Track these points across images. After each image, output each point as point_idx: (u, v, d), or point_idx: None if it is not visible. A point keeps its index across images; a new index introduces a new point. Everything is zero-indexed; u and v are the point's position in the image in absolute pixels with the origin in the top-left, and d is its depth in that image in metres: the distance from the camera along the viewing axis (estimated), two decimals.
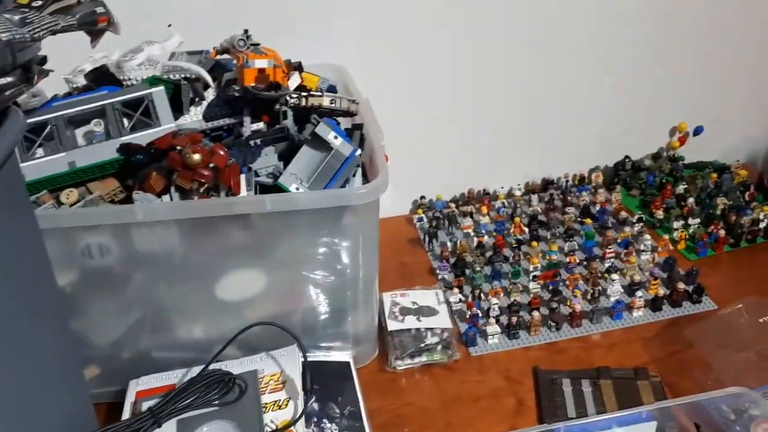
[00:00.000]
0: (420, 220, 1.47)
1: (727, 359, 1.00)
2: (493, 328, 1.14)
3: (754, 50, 1.55)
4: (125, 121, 0.94)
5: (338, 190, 0.91)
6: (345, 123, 1.09)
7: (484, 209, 1.46)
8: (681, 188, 1.48)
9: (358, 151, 0.92)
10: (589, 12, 1.40)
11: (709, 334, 1.04)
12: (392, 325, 1.14)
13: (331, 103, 1.01)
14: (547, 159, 1.55)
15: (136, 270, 0.92)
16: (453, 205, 1.48)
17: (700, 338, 1.04)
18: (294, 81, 1.09)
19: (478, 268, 1.27)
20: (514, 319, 1.14)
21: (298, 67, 1.12)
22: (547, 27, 1.40)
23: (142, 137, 0.93)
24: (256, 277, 0.95)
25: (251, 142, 0.94)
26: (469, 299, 1.23)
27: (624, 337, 1.15)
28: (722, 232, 1.32)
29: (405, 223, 1.50)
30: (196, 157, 0.85)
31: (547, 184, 1.55)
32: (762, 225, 1.35)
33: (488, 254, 1.34)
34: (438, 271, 1.31)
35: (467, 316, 1.18)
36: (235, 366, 0.96)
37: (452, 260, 1.33)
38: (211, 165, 0.87)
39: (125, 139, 0.92)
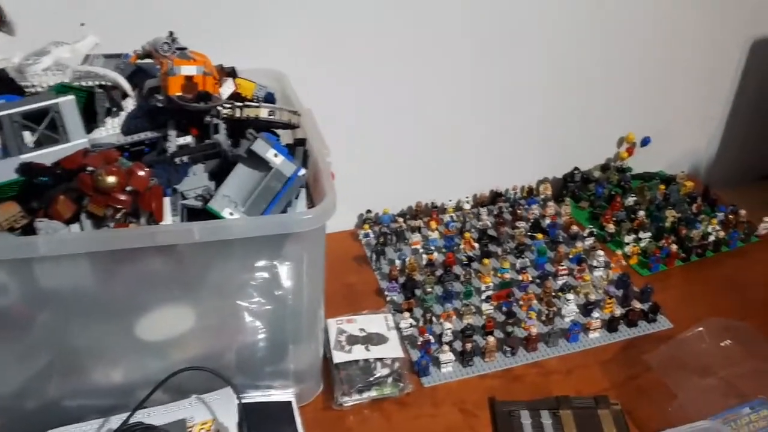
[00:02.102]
0: (366, 235, 1.39)
1: (689, 385, 0.96)
2: (446, 356, 1.06)
3: (698, 64, 1.55)
4: (27, 135, 0.81)
5: (279, 216, 0.81)
6: (285, 137, 0.99)
7: (433, 224, 1.39)
8: (630, 200, 1.46)
9: (302, 171, 0.82)
10: (537, 25, 1.36)
11: (670, 359, 1.00)
12: (338, 357, 1.05)
13: (270, 115, 0.90)
14: (495, 170, 1.50)
15: (40, 310, 0.79)
16: (401, 219, 1.40)
17: (660, 363, 1.00)
18: (227, 88, 0.98)
19: (429, 289, 1.20)
20: (468, 345, 1.07)
21: (232, 73, 1.01)
22: (496, 38, 1.34)
23: (48, 155, 0.80)
24: (183, 314, 0.84)
25: (177, 160, 0.83)
26: (421, 323, 1.15)
27: (582, 361, 1.09)
28: (674, 247, 1.29)
29: (350, 239, 1.40)
30: (111, 179, 0.73)
31: (495, 196, 1.49)
32: (711, 239, 1.34)
33: (439, 273, 1.26)
34: (387, 293, 1.23)
35: (419, 343, 1.10)
36: (160, 414, 0.85)
37: (401, 280, 1.25)
38: (129, 188, 0.75)
39: (26, 157, 0.79)
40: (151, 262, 0.78)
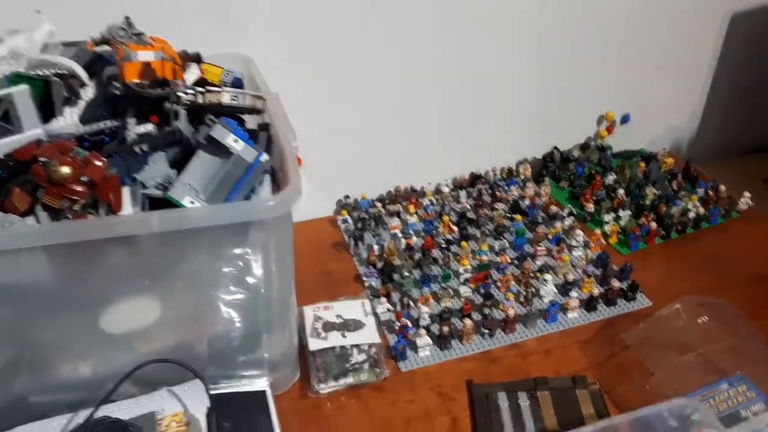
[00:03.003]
0: (345, 221, 1.37)
1: (666, 363, 0.95)
2: (423, 340, 1.05)
3: (677, 39, 1.53)
4: None
5: (242, 204, 0.79)
6: (252, 123, 0.97)
7: (412, 208, 1.37)
8: (610, 179, 1.45)
9: (264, 156, 0.80)
10: (512, 3, 1.33)
11: (647, 337, 0.99)
12: (314, 344, 1.03)
13: (233, 100, 0.88)
14: (475, 152, 1.48)
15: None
16: (379, 204, 1.39)
17: (638, 342, 0.99)
18: (192, 74, 0.96)
19: (406, 273, 1.18)
20: (446, 329, 1.06)
21: (197, 59, 0.99)
22: (471, 18, 1.31)
23: (1, 147, 0.77)
24: (148, 305, 0.82)
25: (136, 148, 0.80)
26: (398, 308, 1.14)
27: (560, 342, 1.09)
28: (653, 225, 1.28)
29: (329, 226, 1.39)
30: (65, 170, 0.71)
31: (475, 178, 1.48)
32: (691, 215, 1.33)
33: (417, 257, 1.25)
34: (364, 278, 1.21)
35: (396, 327, 1.09)
36: (130, 407, 0.84)
37: (380, 265, 1.24)
38: (85, 178, 0.73)
39: None
40: (113, 253, 0.77)
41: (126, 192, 0.78)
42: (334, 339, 1.05)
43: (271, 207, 0.77)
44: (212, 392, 0.88)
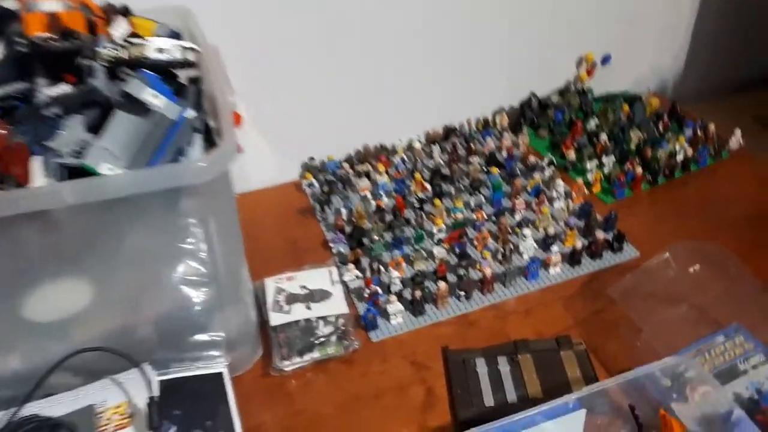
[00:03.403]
0: (310, 185, 1.28)
1: (656, 317, 0.88)
2: (394, 307, 0.98)
3: None
4: None
5: (166, 167, 0.69)
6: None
7: (382, 167, 1.28)
8: (592, 124, 1.36)
9: (190, 112, 0.70)
10: None
11: (635, 290, 0.92)
12: (276, 319, 0.95)
13: (160, 53, 0.78)
14: (448, 104, 1.38)
15: None
16: (347, 165, 1.30)
17: (625, 296, 0.92)
18: (119, 28, 0.85)
19: (376, 237, 1.10)
20: (418, 293, 0.98)
21: (124, 11, 0.88)
22: None
23: None
24: (76, 288, 0.73)
25: (48, 112, 0.71)
26: (368, 274, 1.06)
27: (541, 300, 1.01)
28: (639, 170, 1.20)
29: (294, 191, 1.30)
30: None
31: (449, 132, 1.38)
32: (679, 157, 1.24)
33: (388, 219, 1.17)
34: (332, 244, 1.13)
35: (366, 295, 1.01)
36: (68, 401, 0.76)
37: (348, 230, 1.16)
38: None
39: None
40: (26, 232, 0.68)
41: (37, 162, 0.68)
42: (298, 312, 0.97)
43: (202, 169, 0.68)
44: (164, 377, 0.81)
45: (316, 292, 1.01)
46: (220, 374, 0.86)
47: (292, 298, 0.99)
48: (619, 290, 0.93)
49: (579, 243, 1.06)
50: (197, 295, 0.82)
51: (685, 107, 1.40)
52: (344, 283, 1.04)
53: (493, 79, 1.40)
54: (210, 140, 0.77)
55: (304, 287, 1.02)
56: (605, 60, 1.45)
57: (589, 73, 1.45)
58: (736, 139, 1.27)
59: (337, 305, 0.98)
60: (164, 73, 0.80)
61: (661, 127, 1.33)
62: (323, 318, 0.96)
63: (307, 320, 0.96)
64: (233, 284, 0.84)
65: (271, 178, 1.31)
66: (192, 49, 0.83)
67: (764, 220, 1.13)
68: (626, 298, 0.92)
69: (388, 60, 1.28)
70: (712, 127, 1.28)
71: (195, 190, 0.71)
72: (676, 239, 1.08)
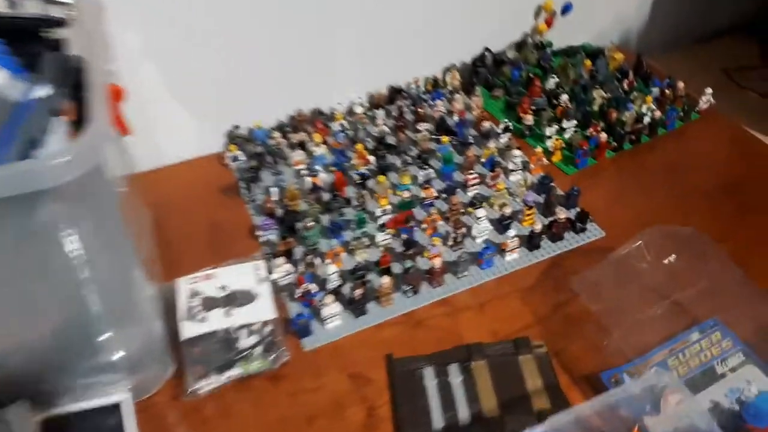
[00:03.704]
0: (235, 159, 1.11)
1: (624, 313, 0.77)
2: (330, 309, 0.84)
3: None
4: None
5: (9, 167, 0.52)
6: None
7: (318, 137, 1.12)
8: (551, 83, 1.22)
9: (43, 90, 0.53)
10: None
11: (601, 283, 0.80)
12: (189, 330, 0.81)
13: (11, 8, 0.60)
14: (392, 61, 1.22)
15: None
16: (278, 134, 1.13)
17: (589, 290, 0.81)
18: None
19: (310, 223, 0.95)
20: (358, 291, 0.85)
21: None
22: None
23: None
24: None
25: None
26: (301, 268, 0.92)
27: (497, 292, 0.90)
28: (603, 136, 1.08)
29: (216, 166, 1.13)
30: None
31: (394, 93, 1.23)
32: (646, 120, 1.13)
33: (326, 199, 1.02)
34: (260, 232, 0.98)
35: (298, 295, 0.87)
36: None
37: (279, 212, 1.01)
38: None
39: None
40: None
41: None
42: (216, 320, 0.82)
43: (63, 166, 0.51)
44: (49, 414, 0.66)
45: (238, 294, 0.86)
46: (117, 405, 0.71)
47: (209, 303, 0.85)
48: (583, 284, 0.82)
49: (538, 224, 0.94)
50: (80, 313, 0.66)
51: (650, 61, 1.27)
52: (274, 283, 0.89)
53: (442, 33, 1.24)
54: (80, 124, 0.60)
55: (224, 288, 0.87)
56: (565, 9, 1.30)
57: (548, 23, 1.30)
58: (706, 98, 1.16)
59: (263, 309, 0.85)
60: (13, 34, 0.62)
61: (625, 86, 1.21)
62: (246, 326, 0.82)
63: (227, 330, 0.82)
64: (125, 294, 0.70)
65: (189, 150, 1.14)
66: (64, 3, 0.65)
67: (739, 190, 1.03)
68: (591, 292, 0.81)
69: (324, 12, 1.10)
70: (681, 85, 1.16)
71: (59, 191, 0.55)
72: (643, 216, 0.98)
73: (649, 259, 0.79)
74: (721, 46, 1.47)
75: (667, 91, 1.16)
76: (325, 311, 0.84)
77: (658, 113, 1.12)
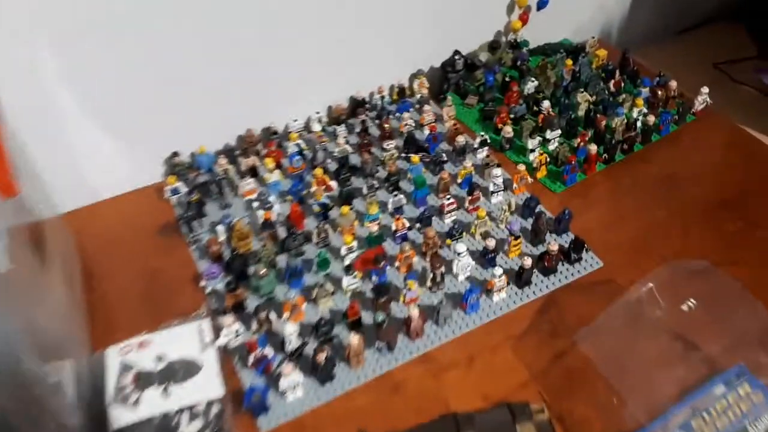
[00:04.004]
0: (175, 191, 0.96)
1: (640, 373, 0.65)
2: (289, 379, 0.71)
3: None
4: None
5: None
6: None
7: (270, 161, 0.97)
8: (530, 86, 1.10)
9: None
10: None
11: (611, 339, 0.68)
12: (118, 418, 0.66)
13: None
14: (354, 68, 1.08)
15: None
16: (224, 160, 0.98)
17: (597, 349, 0.68)
18: None
19: (263, 270, 0.81)
20: (322, 356, 0.71)
21: None
22: None
23: None
24: None
25: None
26: (254, 326, 0.78)
27: (486, 341, 0.77)
28: (593, 148, 0.95)
29: (154, 200, 0.98)
30: None
31: (356, 105, 1.09)
32: (639, 125, 1.01)
33: (282, 236, 0.88)
34: (204, 281, 0.84)
35: (250, 362, 0.73)
36: None
37: (227, 256, 0.86)
38: None
39: None
40: None
41: None
42: (152, 402, 0.68)
43: None
44: None
45: (178, 365, 0.72)
46: None
47: (143, 380, 0.70)
48: (587, 338, 0.69)
49: (527, 259, 0.81)
50: None
51: (634, 55, 1.16)
52: (224, 348, 0.75)
53: (407, 35, 1.10)
54: None
55: (161, 358, 0.73)
56: (541, 4, 1.17)
57: (523, 20, 1.17)
58: (702, 99, 1.04)
59: (208, 384, 0.70)
60: None
61: (612, 86, 1.09)
62: (188, 409, 0.68)
63: (165, 415, 0.67)
64: (14, 383, 0.55)
65: (121, 184, 0.99)
66: None
67: (743, 203, 0.92)
68: (597, 348, 0.68)
69: (272, 16, 0.95)
70: (673, 84, 1.05)
71: None
72: (643, 239, 0.87)
73: (664, 305, 0.67)
74: (708, 35, 1.36)
75: (659, 92, 1.04)
76: (284, 382, 0.70)
77: (651, 118, 1.00)
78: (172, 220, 0.94)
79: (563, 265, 0.84)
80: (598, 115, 1.01)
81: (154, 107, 0.94)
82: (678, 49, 1.28)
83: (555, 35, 1.23)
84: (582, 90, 1.07)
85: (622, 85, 1.10)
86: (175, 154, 1.00)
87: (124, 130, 0.95)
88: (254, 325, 0.77)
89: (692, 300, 0.67)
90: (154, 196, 0.98)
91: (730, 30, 1.35)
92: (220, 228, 0.89)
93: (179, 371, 0.71)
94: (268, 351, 0.74)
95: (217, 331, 0.76)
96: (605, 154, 0.98)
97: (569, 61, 1.12)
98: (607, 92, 1.08)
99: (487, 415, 0.68)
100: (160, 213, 0.95)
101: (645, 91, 1.06)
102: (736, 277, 0.73)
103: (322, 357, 0.71)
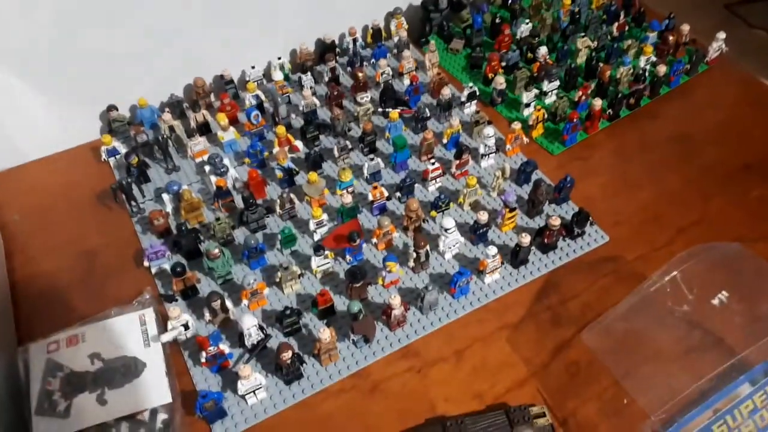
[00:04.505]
0: (113, 153, 0.83)
1: (652, 371, 0.56)
2: (249, 382, 0.60)
3: None
4: None
5: None
6: None
7: (223, 117, 0.83)
8: (524, 29, 0.96)
9: None
10: None
11: (625, 337, 0.58)
12: (44, 429, 0.56)
13: None
14: (322, 7, 0.93)
15: None
16: (169, 115, 0.84)
17: (606, 345, 0.58)
18: None
19: (215, 249, 0.69)
20: (287, 355, 0.60)
21: None
22: None
23: None
24: None
25: None
26: (207, 317, 0.66)
27: (477, 332, 0.67)
28: (597, 103, 0.83)
29: (90, 162, 0.84)
30: None
31: (325, 50, 0.94)
32: (647, 76, 0.88)
33: (239, 208, 0.76)
34: (148, 262, 0.71)
35: (203, 360, 0.62)
36: None
37: (175, 230, 0.74)
38: None
39: None
40: None
41: None
42: (84, 411, 0.57)
43: None
44: None
45: (116, 366, 0.61)
46: None
47: (74, 383, 0.59)
48: (596, 337, 0.59)
49: (525, 236, 0.70)
50: None
51: None
52: (175, 342, 0.64)
53: None
54: None
55: (96, 357, 0.61)
56: None
57: None
58: (717, 46, 0.93)
59: (152, 389, 0.60)
60: None
61: (615, 30, 0.96)
62: (129, 419, 0.57)
63: (101, 427, 0.56)
64: None
65: (51, 143, 0.84)
66: None
67: (766, 166, 0.82)
68: (605, 342, 0.59)
69: None
70: (685, 28, 0.93)
71: None
72: (653, 208, 0.77)
73: (691, 299, 0.58)
74: None
75: (670, 37, 0.92)
76: (243, 384, 0.60)
77: (662, 68, 0.88)
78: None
79: (564, 240, 0.73)
80: (601, 64, 0.89)
81: (84, 52, 0.79)
82: None
83: None
84: (582, 34, 0.94)
85: (627, 28, 0.97)
86: (112, 107, 0.86)
87: (49, 81, 0.80)
88: (207, 315, 0.66)
89: (725, 293, 0.57)
90: (90, 157, 0.85)
91: None
92: (166, 197, 0.76)
93: (117, 373, 0.61)
94: (225, 347, 0.63)
95: (164, 321, 0.65)
96: (609, 110, 0.86)
97: (567, 0, 0.98)
98: (609, 37, 0.96)
99: (480, 419, 0.59)
100: (98, 177, 0.82)
101: (652, 36, 0.94)
102: (763, 254, 0.64)
103: (287, 357, 0.60)
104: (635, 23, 0.99)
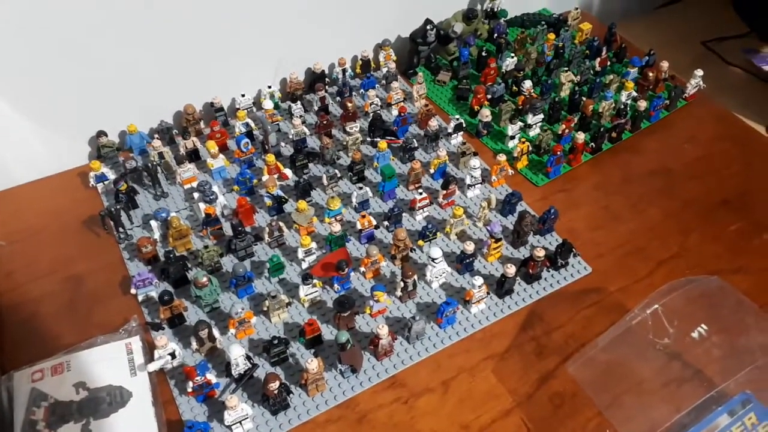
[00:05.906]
0: (101, 178, 0.83)
1: (633, 402, 0.57)
2: (237, 412, 0.60)
3: None
4: None
5: None
6: None
7: (213, 144, 0.84)
8: (509, 62, 0.99)
9: None
10: None
11: (609, 368, 0.59)
12: None
13: None
14: (312, 39, 0.95)
15: None
16: (159, 142, 0.84)
17: (589, 377, 0.59)
18: None
19: (203, 278, 0.69)
20: (274, 386, 0.60)
21: None
22: None
23: None
24: None
25: None
26: (194, 345, 0.66)
27: (464, 362, 0.68)
28: (580, 137, 0.85)
29: (78, 187, 0.84)
30: None
31: (315, 79, 0.96)
32: (627, 111, 0.91)
33: (227, 236, 0.76)
34: (135, 288, 0.71)
35: (189, 390, 0.62)
36: None
37: (162, 257, 0.74)
38: None
39: None
40: None
41: None
42: None
43: None
44: None
45: (99, 396, 0.60)
46: None
47: (59, 414, 0.59)
48: (581, 369, 0.61)
49: (510, 267, 0.71)
50: None
51: (621, 33, 1.06)
52: (161, 371, 0.64)
53: (371, 4, 0.97)
54: None
55: (81, 387, 0.61)
56: None
57: None
58: (695, 82, 0.96)
59: (138, 419, 0.59)
60: None
61: (597, 65, 0.99)
62: None
63: None
64: None
65: (39, 166, 0.84)
66: None
67: (743, 201, 0.85)
68: (588, 374, 0.60)
69: None
70: (664, 65, 0.96)
71: None
72: (634, 241, 0.79)
73: (672, 332, 0.59)
74: (692, 9, 1.27)
75: (650, 73, 0.95)
76: (229, 414, 0.60)
77: (642, 103, 0.90)
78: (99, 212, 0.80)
79: (548, 271, 0.75)
80: (584, 98, 0.92)
81: (73, 78, 0.80)
82: (662, 23, 1.19)
83: (533, 4, 1.11)
84: (566, 69, 0.97)
85: (609, 64, 1.00)
86: (101, 133, 0.86)
87: (38, 106, 0.80)
88: (194, 344, 0.66)
89: (704, 326, 0.58)
90: (78, 182, 0.85)
91: (715, 3, 1.26)
92: (154, 223, 0.76)
93: (103, 402, 0.60)
94: (211, 377, 0.62)
95: (150, 349, 0.65)
96: (592, 143, 0.88)
97: (551, 35, 1.01)
98: (592, 72, 0.98)
99: None
100: (86, 203, 0.82)
101: (633, 72, 0.97)
102: (740, 287, 0.66)
103: (274, 387, 0.61)
104: (617, 59, 1.02)
